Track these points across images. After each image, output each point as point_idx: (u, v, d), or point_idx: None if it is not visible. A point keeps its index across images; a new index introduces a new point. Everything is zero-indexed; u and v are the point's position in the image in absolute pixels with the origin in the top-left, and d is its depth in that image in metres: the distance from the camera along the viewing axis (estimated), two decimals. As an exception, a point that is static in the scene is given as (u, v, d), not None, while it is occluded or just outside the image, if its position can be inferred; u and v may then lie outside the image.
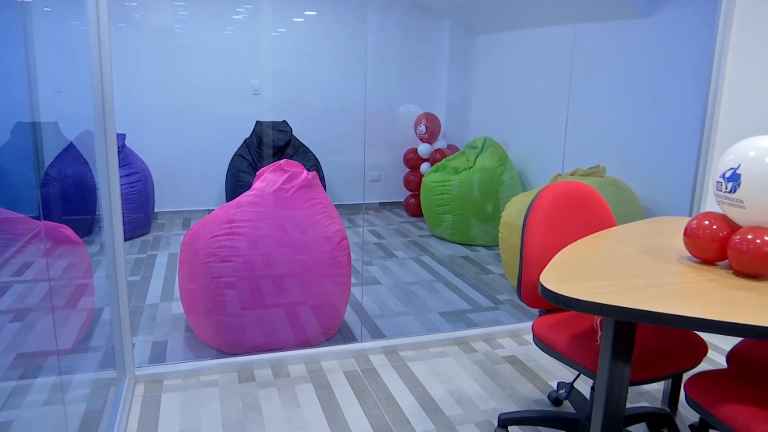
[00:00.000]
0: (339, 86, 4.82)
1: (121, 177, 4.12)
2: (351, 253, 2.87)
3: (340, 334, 2.92)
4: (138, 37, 4.27)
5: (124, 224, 4.21)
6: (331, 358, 2.69)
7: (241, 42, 4.49)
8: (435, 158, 5.00)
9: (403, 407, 2.31)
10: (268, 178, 2.67)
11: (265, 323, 2.63)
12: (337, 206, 4.96)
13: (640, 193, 3.45)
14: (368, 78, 4.94)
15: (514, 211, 3.37)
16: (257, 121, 4.51)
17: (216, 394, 2.37)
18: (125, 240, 4.25)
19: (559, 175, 3.64)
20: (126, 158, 4.19)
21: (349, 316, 3.16)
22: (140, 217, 4.28)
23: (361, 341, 2.78)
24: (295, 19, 4.62)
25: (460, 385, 2.50)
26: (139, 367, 2.49)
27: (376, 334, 2.94)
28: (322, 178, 4.51)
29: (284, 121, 4.57)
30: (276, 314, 2.65)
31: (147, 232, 4.41)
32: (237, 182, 4.30)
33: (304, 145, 4.56)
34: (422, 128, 4.99)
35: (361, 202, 5.17)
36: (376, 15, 4.89)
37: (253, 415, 2.23)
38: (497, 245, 4.41)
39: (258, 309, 2.61)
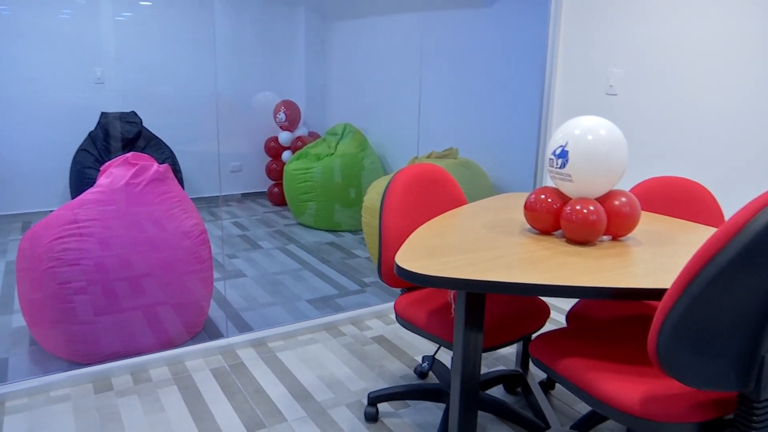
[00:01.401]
0: (190, 74, 4.61)
1: (-60, 179, 3.65)
2: (212, 247, 2.78)
3: (205, 331, 2.83)
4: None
5: (-52, 232, 3.74)
6: (196, 357, 2.60)
7: (80, 26, 4.13)
8: (296, 146, 4.97)
9: (274, 398, 2.30)
10: (113, 173, 2.50)
11: (122, 328, 2.48)
12: (197, 199, 4.77)
13: (490, 172, 3.68)
14: (220, 65, 4.77)
15: (375, 195, 3.45)
16: (102, 113, 4.19)
17: (69, 409, 2.20)
18: (-49, 250, 3.79)
19: (416, 157, 3.78)
20: (-55, 158, 3.72)
21: (214, 311, 3.07)
22: (-32, 224, 3.83)
23: (228, 336, 2.72)
24: (142, 3, 4.34)
25: (330, 369, 2.53)
26: (-25, 389, 2.24)
27: (243, 327, 2.89)
28: (178, 171, 4.30)
29: (133, 111, 4.29)
30: (134, 317, 2.50)
31: (-22, 240, 3.96)
32: (82, 179, 3.98)
33: (157, 137, 4.32)
34: (282, 116, 4.93)
35: (221, 193, 5.01)
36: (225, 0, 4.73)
37: (112, 427, 2.10)
38: (361, 230, 4.49)
39: (113, 313, 2.45)
